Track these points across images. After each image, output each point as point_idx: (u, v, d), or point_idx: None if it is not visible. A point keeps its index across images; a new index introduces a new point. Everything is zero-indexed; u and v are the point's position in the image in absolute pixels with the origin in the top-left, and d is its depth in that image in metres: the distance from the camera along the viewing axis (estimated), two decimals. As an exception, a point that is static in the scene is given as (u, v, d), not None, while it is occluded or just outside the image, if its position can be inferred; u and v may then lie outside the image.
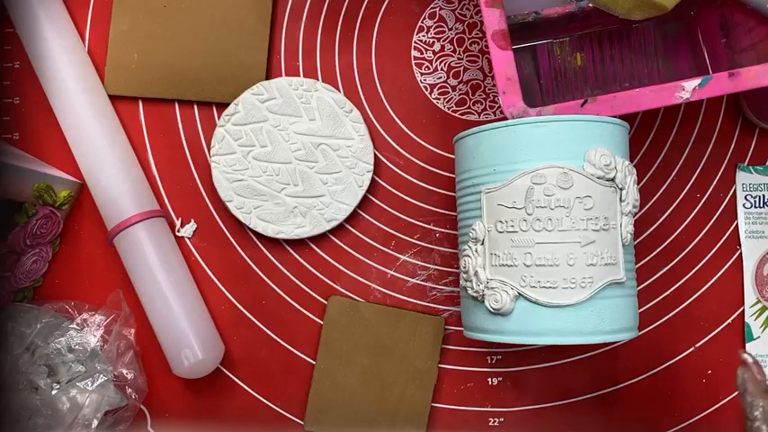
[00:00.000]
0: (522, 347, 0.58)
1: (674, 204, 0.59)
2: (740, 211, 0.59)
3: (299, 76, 0.60)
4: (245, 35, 0.59)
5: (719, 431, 0.57)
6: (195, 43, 0.59)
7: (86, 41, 0.60)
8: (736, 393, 0.57)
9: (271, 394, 0.58)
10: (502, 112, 0.57)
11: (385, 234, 0.59)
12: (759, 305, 0.58)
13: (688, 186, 0.59)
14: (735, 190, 0.59)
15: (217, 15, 0.59)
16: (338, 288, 0.59)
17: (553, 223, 0.44)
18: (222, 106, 0.60)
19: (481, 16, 0.60)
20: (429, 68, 0.60)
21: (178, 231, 0.59)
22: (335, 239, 0.59)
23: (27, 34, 0.57)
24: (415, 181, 0.59)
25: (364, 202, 0.59)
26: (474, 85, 0.60)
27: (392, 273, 0.59)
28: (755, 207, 0.59)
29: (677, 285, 0.58)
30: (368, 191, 0.59)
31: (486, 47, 0.60)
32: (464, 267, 0.48)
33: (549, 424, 0.57)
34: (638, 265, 0.58)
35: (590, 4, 0.55)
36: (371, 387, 0.57)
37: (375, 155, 0.59)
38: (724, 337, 0.58)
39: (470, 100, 0.60)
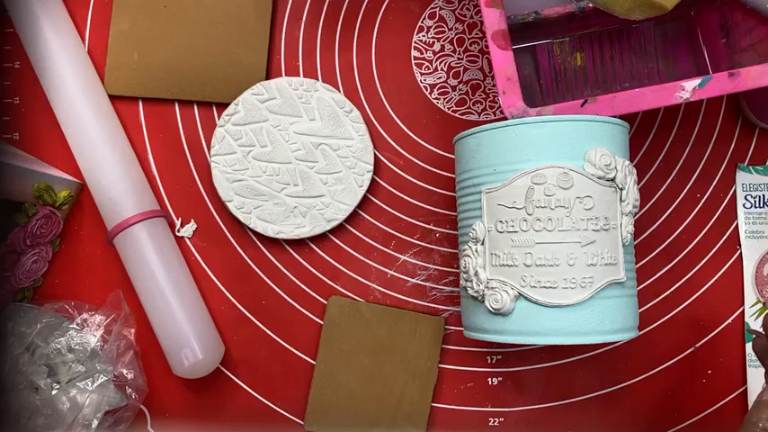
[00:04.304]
0: (522, 347, 0.58)
1: (674, 204, 0.59)
2: (740, 211, 0.59)
3: (299, 76, 0.60)
4: (245, 35, 0.59)
5: (719, 431, 0.57)
6: (195, 43, 0.59)
7: (86, 41, 0.60)
8: (736, 393, 0.57)
9: (271, 394, 0.58)
10: (502, 112, 0.57)
11: (385, 234, 0.59)
12: (759, 305, 0.58)
13: (688, 186, 0.59)
14: (735, 190, 0.59)
15: (217, 15, 0.59)
16: (338, 288, 0.59)
17: (553, 223, 0.44)
18: (222, 106, 0.60)
19: (481, 16, 0.60)
20: (429, 68, 0.60)
21: (178, 231, 0.59)
22: (335, 239, 0.59)
23: (27, 34, 0.57)
24: (415, 181, 0.59)
25: (364, 202, 0.59)
26: (474, 85, 0.60)
27: (392, 273, 0.59)
28: (755, 207, 0.59)
29: (677, 285, 0.58)
30: (368, 191, 0.59)
31: (486, 47, 0.60)
32: (464, 267, 0.48)
33: (549, 424, 0.57)
34: (638, 265, 0.58)
35: (590, 4, 0.55)
36: (371, 387, 0.57)
37: (375, 155, 0.59)
38: (724, 337, 0.58)
39: (470, 100, 0.60)
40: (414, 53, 0.60)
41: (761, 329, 0.44)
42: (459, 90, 0.60)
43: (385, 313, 0.58)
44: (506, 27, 0.48)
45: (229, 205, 0.57)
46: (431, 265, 0.59)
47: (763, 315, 0.43)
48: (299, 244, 0.59)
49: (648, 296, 0.58)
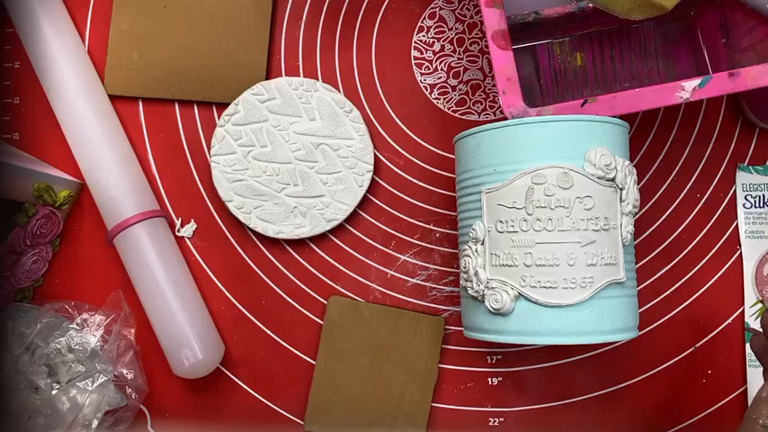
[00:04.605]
0: (522, 347, 0.58)
1: (674, 204, 0.59)
2: (740, 211, 0.59)
3: (299, 76, 0.60)
4: (245, 35, 0.59)
5: (719, 431, 0.57)
6: (195, 43, 0.59)
7: (86, 41, 0.60)
8: (736, 393, 0.57)
9: (271, 394, 0.58)
10: (502, 112, 0.57)
11: (385, 234, 0.59)
12: (759, 305, 0.58)
13: (688, 186, 0.59)
14: (735, 190, 0.59)
15: (217, 15, 0.59)
16: (338, 288, 0.59)
17: (553, 223, 0.44)
18: (222, 106, 0.60)
19: (481, 16, 0.60)
20: (429, 68, 0.60)
21: (178, 231, 0.59)
22: (335, 239, 0.59)
23: (27, 34, 0.57)
24: (415, 181, 0.59)
25: (364, 202, 0.59)
26: (474, 85, 0.60)
27: (392, 273, 0.59)
28: (755, 207, 0.59)
29: (677, 285, 0.58)
30: (368, 191, 0.59)
31: (486, 47, 0.60)
32: (464, 267, 0.48)
33: (549, 424, 0.57)
34: (638, 265, 0.58)
35: (590, 4, 0.55)
36: (371, 387, 0.57)
37: (375, 155, 0.59)
38: (724, 337, 0.58)
39: (470, 100, 0.60)
40: (414, 53, 0.60)
41: (760, 329, 0.45)
42: (459, 90, 0.60)
43: (385, 313, 0.58)
44: (506, 27, 0.48)
45: (229, 205, 0.57)
46: (431, 265, 0.59)
47: (762, 314, 0.43)
48: (299, 244, 0.59)
49: (648, 296, 0.58)
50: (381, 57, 0.60)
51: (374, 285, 0.58)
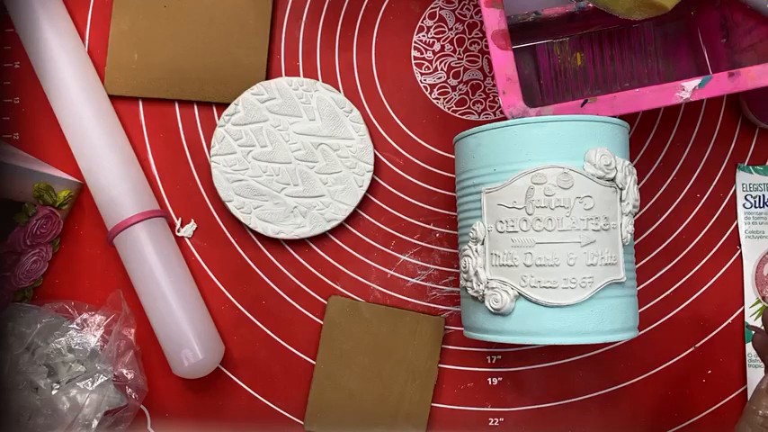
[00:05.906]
0: (522, 347, 0.58)
1: (674, 204, 0.59)
2: (740, 211, 0.59)
3: (299, 76, 0.60)
4: (245, 35, 0.59)
5: (719, 431, 0.57)
6: (195, 43, 0.59)
7: (86, 41, 0.60)
8: (736, 393, 0.57)
9: (271, 394, 0.58)
10: (502, 112, 0.57)
11: (385, 234, 0.59)
12: (759, 305, 0.58)
13: (688, 186, 0.59)
14: (735, 190, 0.59)
15: (217, 15, 0.59)
16: (338, 288, 0.59)
17: (553, 223, 0.44)
18: (222, 106, 0.60)
19: (481, 16, 0.60)
20: (429, 68, 0.60)
21: (178, 231, 0.59)
22: (335, 239, 0.59)
23: (27, 34, 0.57)
24: (415, 181, 0.59)
25: (364, 202, 0.59)
26: (474, 85, 0.60)
27: (392, 273, 0.59)
28: (755, 207, 0.59)
29: (677, 285, 0.58)
30: (368, 191, 0.59)
31: (486, 47, 0.60)
32: (464, 267, 0.48)
33: (549, 424, 0.57)
34: (638, 265, 0.58)
35: (590, 4, 0.55)
36: (371, 387, 0.57)
37: (375, 155, 0.59)
38: (724, 337, 0.58)
39: (470, 100, 0.60)
40: (414, 53, 0.60)
41: (761, 327, 0.45)
42: (459, 90, 0.60)
43: (385, 313, 0.58)
44: (506, 27, 0.48)
45: (229, 205, 0.57)
46: (431, 265, 0.59)
47: (763, 311, 0.43)
48: (299, 244, 0.59)
49: (648, 296, 0.58)
50: (381, 57, 0.60)
51: (374, 285, 0.58)
